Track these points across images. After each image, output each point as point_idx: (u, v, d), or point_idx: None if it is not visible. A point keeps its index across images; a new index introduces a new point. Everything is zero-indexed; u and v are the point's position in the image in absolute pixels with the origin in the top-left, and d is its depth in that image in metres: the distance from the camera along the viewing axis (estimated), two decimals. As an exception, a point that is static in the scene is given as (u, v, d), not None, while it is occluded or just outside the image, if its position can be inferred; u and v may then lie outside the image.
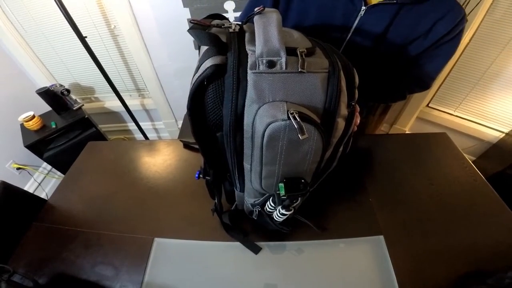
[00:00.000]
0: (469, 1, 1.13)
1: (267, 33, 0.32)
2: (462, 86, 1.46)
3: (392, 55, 0.63)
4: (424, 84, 0.70)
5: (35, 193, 0.91)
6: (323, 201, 0.66)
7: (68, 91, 1.61)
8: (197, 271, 0.56)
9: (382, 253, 0.56)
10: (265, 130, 0.32)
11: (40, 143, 1.53)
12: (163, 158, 0.85)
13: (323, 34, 0.63)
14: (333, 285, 0.52)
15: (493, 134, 1.46)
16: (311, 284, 0.53)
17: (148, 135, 2.07)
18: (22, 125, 1.56)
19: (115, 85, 1.57)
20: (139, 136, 2.07)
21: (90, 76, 1.82)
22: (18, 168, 1.69)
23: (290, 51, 0.32)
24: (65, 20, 1.23)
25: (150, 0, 1.34)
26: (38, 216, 0.70)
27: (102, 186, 0.78)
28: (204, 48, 0.38)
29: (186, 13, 1.33)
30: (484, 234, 0.58)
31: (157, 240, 0.61)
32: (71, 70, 1.82)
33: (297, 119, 0.30)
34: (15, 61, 1.71)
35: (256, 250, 0.57)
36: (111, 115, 2.08)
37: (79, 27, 1.29)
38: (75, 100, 1.69)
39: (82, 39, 1.32)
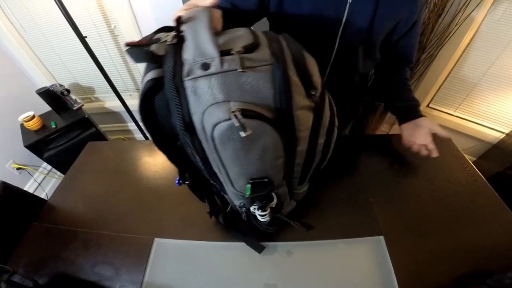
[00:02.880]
0: (469, 1, 1.13)
1: (197, 37, 0.32)
2: (463, 87, 1.46)
3: (381, 42, 0.67)
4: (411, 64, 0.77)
5: (35, 193, 0.91)
6: (323, 201, 0.66)
7: (68, 91, 1.61)
8: (197, 271, 0.56)
9: (382, 253, 0.56)
10: (212, 133, 0.32)
11: (40, 143, 1.53)
12: (163, 158, 0.84)
13: (317, 27, 0.64)
14: (333, 285, 0.52)
15: (494, 134, 1.46)
16: (311, 284, 0.52)
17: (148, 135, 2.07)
18: (22, 125, 1.56)
19: (115, 85, 1.57)
20: (139, 136, 2.07)
21: (90, 76, 1.82)
22: (18, 168, 1.69)
23: (226, 51, 0.32)
24: (65, 20, 1.23)
25: (150, 0, 1.35)
26: (38, 216, 0.70)
27: (102, 186, 0.78)
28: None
29: (186, 13, 1.33)
30: (484, 234, 0.58)
31: (157, 240, 0.61)
32: (71, 70, 1.82)
33: (237, 117, 0.29)
34: (15, 61, 1.71)
35: (259, 249, 0.57)
36: (111, 115, 2.08)
37: (79, 27, 1.29)
38: (75, 100, 1.69)
39: (82, 39, 1.32)
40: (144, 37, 0.37)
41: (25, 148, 1.48)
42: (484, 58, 1.31)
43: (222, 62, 0.31)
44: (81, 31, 1.30)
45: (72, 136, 1.65)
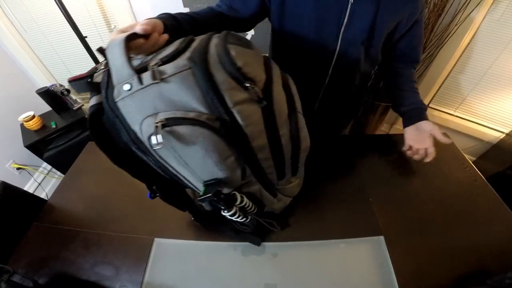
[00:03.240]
0: (469, 1, 1.13)
1: (115, 62, 0.34)
2: (463, 87, 1.46)
3: (383, 42, 0.67)
4: (417, 64, 0.77)
5: (35, 193, 0.91)
6: (323, 201, 0.66)
7: (68, 91, 1.61)
8: (197, 271, 0.56)
9: (382, 253, 0.56)
10: (150, 144, 0.34)
11: (40, 143, 1.53)
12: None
13: (319, 27, 0.64)
14: (333, 285, 0.52)
15: (494, 134, 1.46)
16: (311, 284, 0.52)
17: (148, 135, 2.07)
18: (22, 125, 1.56)
19: (115, 85, 1.57)
20: (139, 136, 2.07)
21: (90, 76, 1.82)
22: (18, 168, 1.69)
23: (144, 68, 0.34)
24: (65, 20, 1.24)
25: (150, 0, 1.35)
26: (38, 216, 0.70)
27: (102, 186, 0.78)
28: None
29: (186, 13, 1.33)
30: (484, 234, 0.58)
31: (157, 240, 0.61)
32: (71, 70, 1.82)
33: (157, 127, 0.32)
34: (15, 61, 1.71)
35: (256, 242, 0.57)
36: (111, 115, 2.08)
37: (79, 27, 1.29)
38: (75, 100, 1.69)
39: (82, 39, 1.33)
40: (89, 70, 0.40)
41: (25, 148, 1.48)
42: (484, 58, 1.31)
43: (140, 80, 0.32)
44: (81, 31, 1.31)
45: (72, 136, 1.65)
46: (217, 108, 0.34)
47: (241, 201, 0.44)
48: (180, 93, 0.33)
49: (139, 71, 0.33)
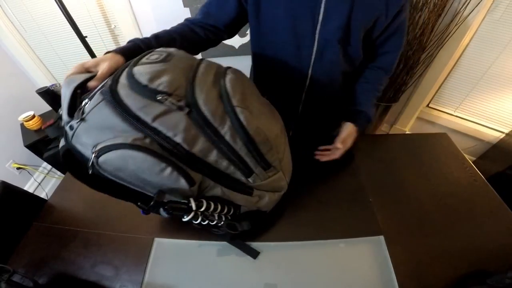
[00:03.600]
0: (469, 1, 1.13)
1: (64, 106, 0.40)
2: (462, 86, 1.46)
3: (361, 42, 0.66)
4: (390, 67, 0.75)
5: (35, 193, 0.91)
6: (323, 201, 0.66)
7: (68, 91, 1.61)
8: (197, 271, 0.56)
9: (382, 253, 0.56)
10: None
11: (40, 142, 1.53)
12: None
13: (294, 25, 0.63)
14: (333, 285, 0.52)
15: (493, 134, 1.46)
16: (311, 284, 0.53)
17: (148, 135, 2.07)
18: (22, 125, 1.56)
19: (115, 85, 1.57)
20: (139, 136, 2.07)
21: (90, 76, 1.82)
22: (18, 168, 1.69)
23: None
24: (65, 20, 1.24)
25: (150, 0, 1.35)
26: (38, 216, 0.70)
27: (102, 186, 0.78)
28: None
29: (186, 13, 1.33)
30: (484, 234, 0.58)
31: (157, 240, 0.61)
32: (71, 70, 1.82)
33: (93, 154, 0.37)
34: (15, 61, 1.71)
35: (254, 254, 0.56)
36: (111, 115, 2.08)
37: (79, 27, 1.29)
38: (75, 100, 1.69)
39: (82, 39, 1.33)
40: (55, 115, 0.46)
41: (25, 148, 1.48)
42: (484, 58, 1.31)
43: (78, 119, 0.38)
44: (81, 31, 1.31)
45: (72, 136, 1.65)
46: (138, 127, 0.37)
47: (205, 206, 0.45)
48: (105, 122, 0.37)
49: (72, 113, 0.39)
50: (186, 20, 0.70)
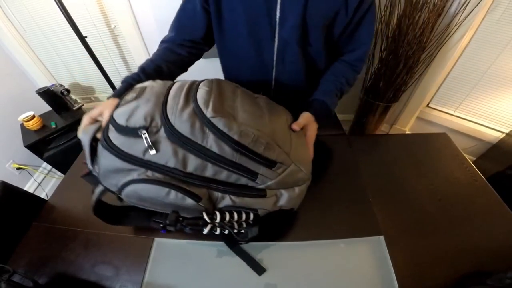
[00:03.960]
0: (469, 1, 1.13)
1: (87, 159, 0.49)
2: (462, 86, 1.46)
3: (323, 39, 0.65)
4: (357, 63, 0.72)
5: (35, 193, 0.91)
6: (323, 201, 0.66)
7: (68, 91, 1.61)
8: (197, 271, 0.56)
9: (382, 253, 0.56)
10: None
11: (40, 143, 1.53)
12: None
13: (254, 27, 0.64)
14: (333, 285, 0.52)
15: (493, 134, 1.46)
16: (311, 284, 0.52)
17: (148, 135, 2.07)
18: (22, 125, 1.56)
19: (115, 85, 1.58)
20: (139, 136, 2.07)
21: (90, 76, 1.82)
22: (18, 168, 1.69)
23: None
24: (65, 20, 1.24)
25: (150, 0, 1.35)
26: (38, 216, 0.70)
27: (102, 186, 0.78)
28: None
29: (186, 13, 1.33)
30: (484, 234, 0.58)
31: (157, 240, 0.61)
32: (71, 70, 1.82)
33: (117, 192, 0.48)
34: (15, 61, 1.71)
35: (260, 271, 0.54)
36: (111, 115, 2.08)
37: (79, 27, 1.29)
38: (75, 100, 1.70)
39: (82, 39, 1.33)
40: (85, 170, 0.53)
41: (25, 148, 1.48)
42: (484, 58, 1.31)
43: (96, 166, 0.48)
44: (81, 31, 1.31)
45: (72, 136, 1.65)
46: (137, 163, 0.42)
47: (219, 218, 0.47)
48: (112, 165, 0.43)
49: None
50: (163, 42, 0.72)
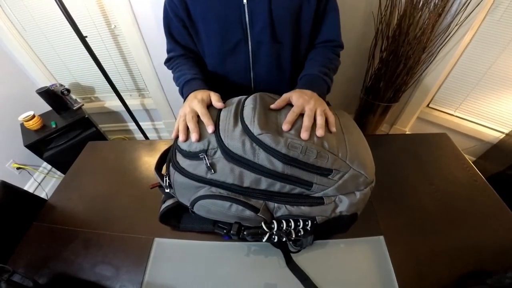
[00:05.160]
0: (469, 1, 1.13)
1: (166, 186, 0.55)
2: (463, 87, 1.46)
3: (293, 35, 0.68)
4: (333, 35, 0.74)
5: (35, 193, 0.91)
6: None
7: (68, 90, 1.61)
8: (197, 271, 0.56)
9: (382, 253, 0.56)
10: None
11: (40, 142, 1.53)
12: (163, 158, 0.84)
13: (227, 39, 0.68)
14: (333, 285, 0.52)
15: (493, 134, 1.45)
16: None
17: (148, 135, 2.07)
18: (22, 125, 1.56)
19: (115, 84, 1.57)
20: (139, 136, 2.07)
21: (90, 75, 1.82)
22: (18, 168, 1.69)
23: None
24: (65, 20, 1.23)
25: (150, 0, 1.35)
26: (38, 216, 0.70)
27: (102, 186, 0.78)
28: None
29: (186, 13, 1.33)
30: (484, 234, 0.58)
31: (157, 240, 0.61)
32: (71, 69, 1.82)
33: (190, 206, 0.53)
34: (15, 61, 1.71)
35: (303, 279, 0.53)
36: (111, 115, 2.08)
37: (79, 26, 1.29)
38: (75, 99, 1.69)
39: (82, 38, 1.32)
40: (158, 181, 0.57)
41: (25, 148, 1.48)
42: (484, 58, 1.31)
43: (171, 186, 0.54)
44: (81, 31, 1.30)
45: (72, 136, 1.65)
46: (202, 182, 0.48)
47: (276, 227, 0.50)
48: (184, 184, 0.49)
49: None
50: (170, 59, 0.78)
